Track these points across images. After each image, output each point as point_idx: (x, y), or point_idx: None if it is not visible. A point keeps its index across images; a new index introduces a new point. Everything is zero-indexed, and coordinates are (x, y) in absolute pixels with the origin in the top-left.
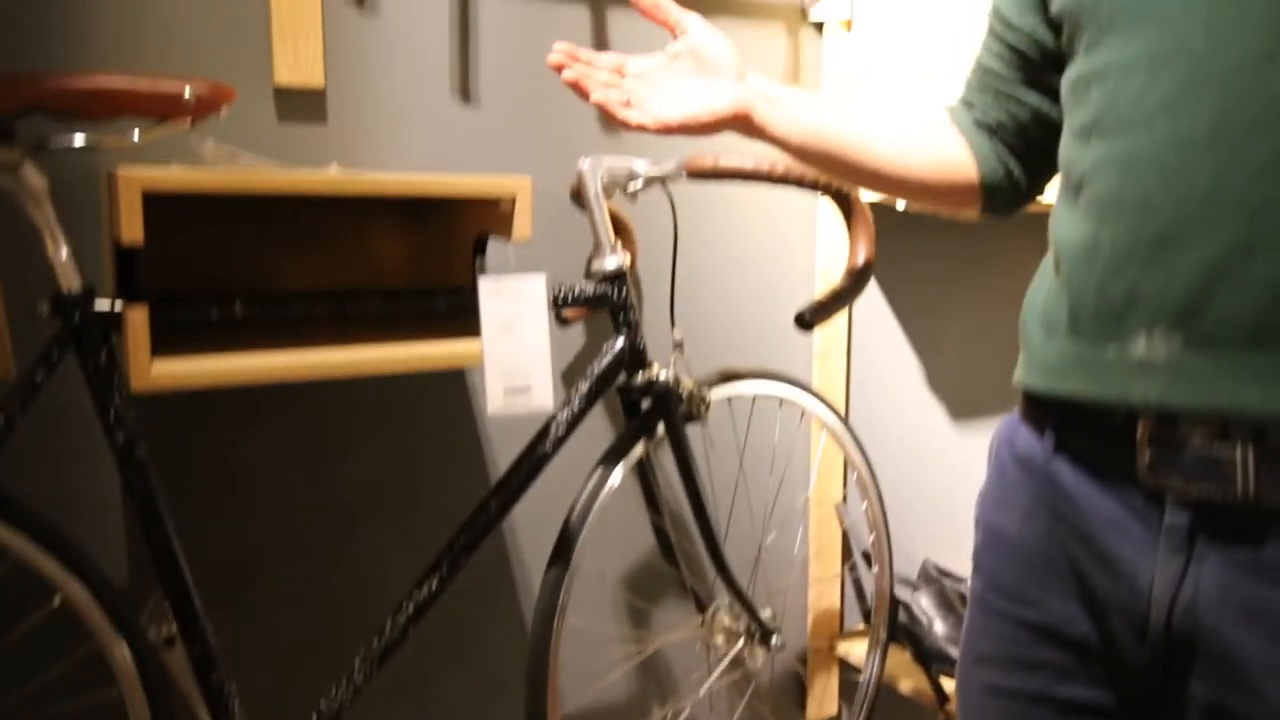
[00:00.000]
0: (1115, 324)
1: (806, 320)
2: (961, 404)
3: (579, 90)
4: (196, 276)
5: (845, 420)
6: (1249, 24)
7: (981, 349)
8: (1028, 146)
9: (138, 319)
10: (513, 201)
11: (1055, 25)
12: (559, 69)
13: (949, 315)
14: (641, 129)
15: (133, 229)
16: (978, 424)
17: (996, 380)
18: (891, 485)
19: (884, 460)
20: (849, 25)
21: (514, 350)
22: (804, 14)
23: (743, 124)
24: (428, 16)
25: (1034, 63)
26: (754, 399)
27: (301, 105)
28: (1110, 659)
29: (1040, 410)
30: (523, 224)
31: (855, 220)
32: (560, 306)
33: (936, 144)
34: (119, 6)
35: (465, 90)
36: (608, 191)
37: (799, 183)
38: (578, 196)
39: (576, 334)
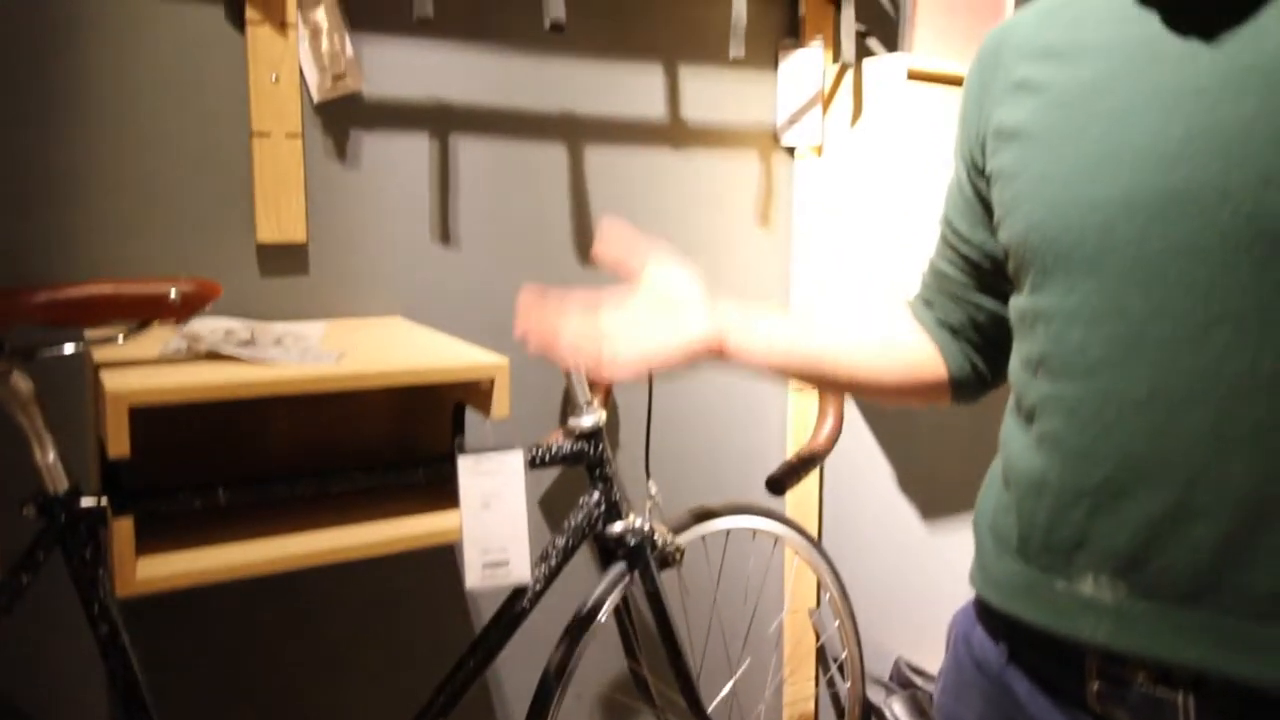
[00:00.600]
0: (1064, 561)
1: (778, 484)
2: (932, 501)
3: (548, 349)
4: (179, 450)
5: (818, 543)
6: (1187, 292)
7: (950, 445)
8: (989, 344)
9: (123, 529)
10: (491, 381)
11: (1005, 248)
12: (525, 336)
13: (917, 413)
14: (620, 379)
15: (119, 444)
16: (949, 520)
17: (966, 475)
18: (865, 585)
19: (857, 561)
20: (820, 150)
21: (492, 525)
22: (776, 139)
23: (716, 354)
24: (408, 164)
25: (987, 271)
26: (728, 533)
27: (284, 260)
28: None
29: (995, 620)
30: (501, 403)
31: (825, 397)
32: (537, 466)
33: (905, 347)
34: (107, 178)
35: (445, 234)
36: None
37: None
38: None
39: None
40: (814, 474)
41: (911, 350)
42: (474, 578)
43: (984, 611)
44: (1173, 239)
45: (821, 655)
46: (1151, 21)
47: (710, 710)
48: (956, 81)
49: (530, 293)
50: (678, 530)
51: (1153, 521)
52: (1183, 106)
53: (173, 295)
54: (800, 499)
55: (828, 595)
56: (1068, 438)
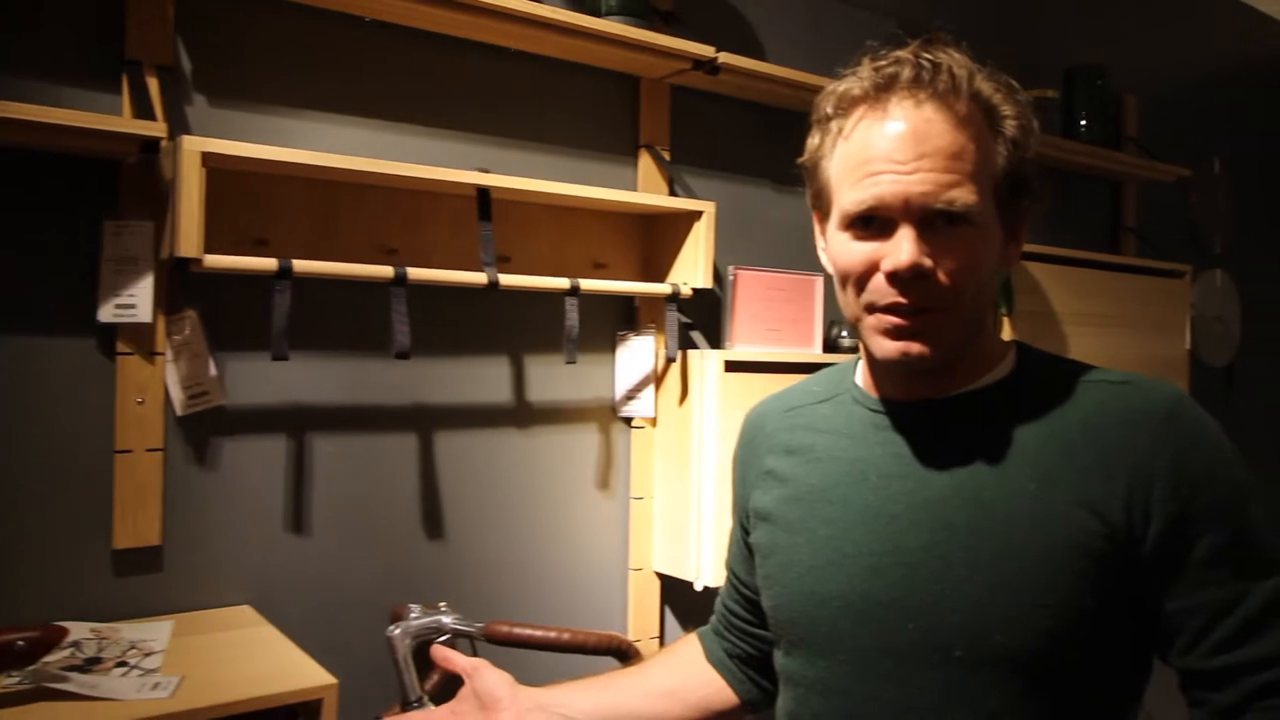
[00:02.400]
0: None
1: None
2: None
3: None
4: None
5: None
6: (886, 683)
7: None
8: (771, 666)
9: None
10: (320, 701)
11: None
12: None
13: None
14: None
15: None
16: None
17: None
18: None
19: None
20: (654, 422)
21: None
22: (615, 412)
23: None
24: (265, 463)
25: (766, 611)
26: None
27: (138, 561)
28: None
29: None
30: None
31: None
32: None
33: (695, 689)
34: None
35: (297, 525)
36: (418, 643)
37: (582, 649)
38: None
39: None
40: None
41: (701, 689)
42: None
43: None
44: (878, 638)
45: None
46: (861, 439)
47: None
48: (767, 369)
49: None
50: None
51: None
52: (879, 527)
53: (20, 643)
54: None
55: None
56: None
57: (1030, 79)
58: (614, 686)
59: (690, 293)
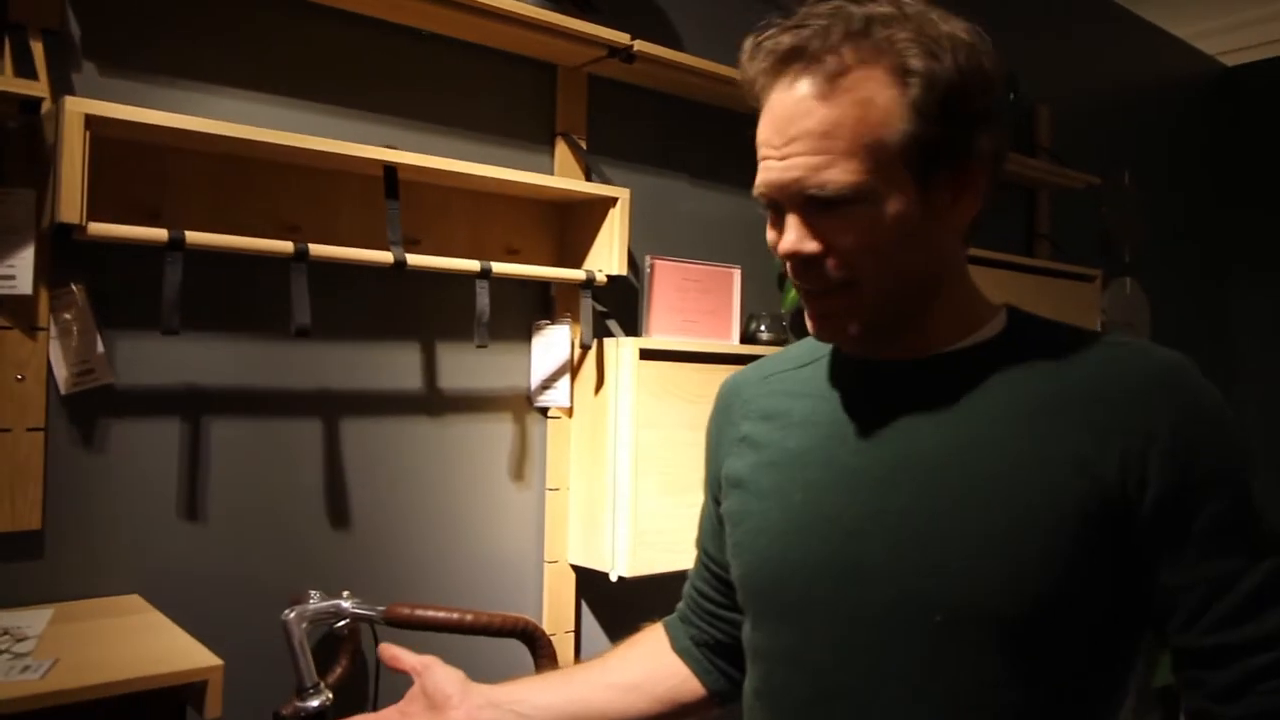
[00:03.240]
0: None
1: None
2: None
3: None
4: None
5: None
6: (866, 651)
7: None
8: (741, 654)
9: None
10: (205, 684)
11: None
12: None
13: None
14: None
15: None
16: None
17: None
18: None
19: None
20: (570, 412)
21: None
22: (530, 402)
23: None
24: (157, 446)
25: (737, 589)
26: None
27: (15, 547)
28: None
29: None
30: (214, 704)
31: (542, 663)
32: None
33: (661, 680)
34: None
35: (192, 512)
36: (317, 629)
37: (486, 630)
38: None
39: None
40: None
41: (667, 680)
42: None
43: None
44: (853, 604)
45: None
46: (840, 402)
47: None
48: (684, 358)
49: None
50: None
51: None
52: (860, 489)
53: None
54: None
55: None
56: None
57: None
58: (572, 681)
59: (605, 280)
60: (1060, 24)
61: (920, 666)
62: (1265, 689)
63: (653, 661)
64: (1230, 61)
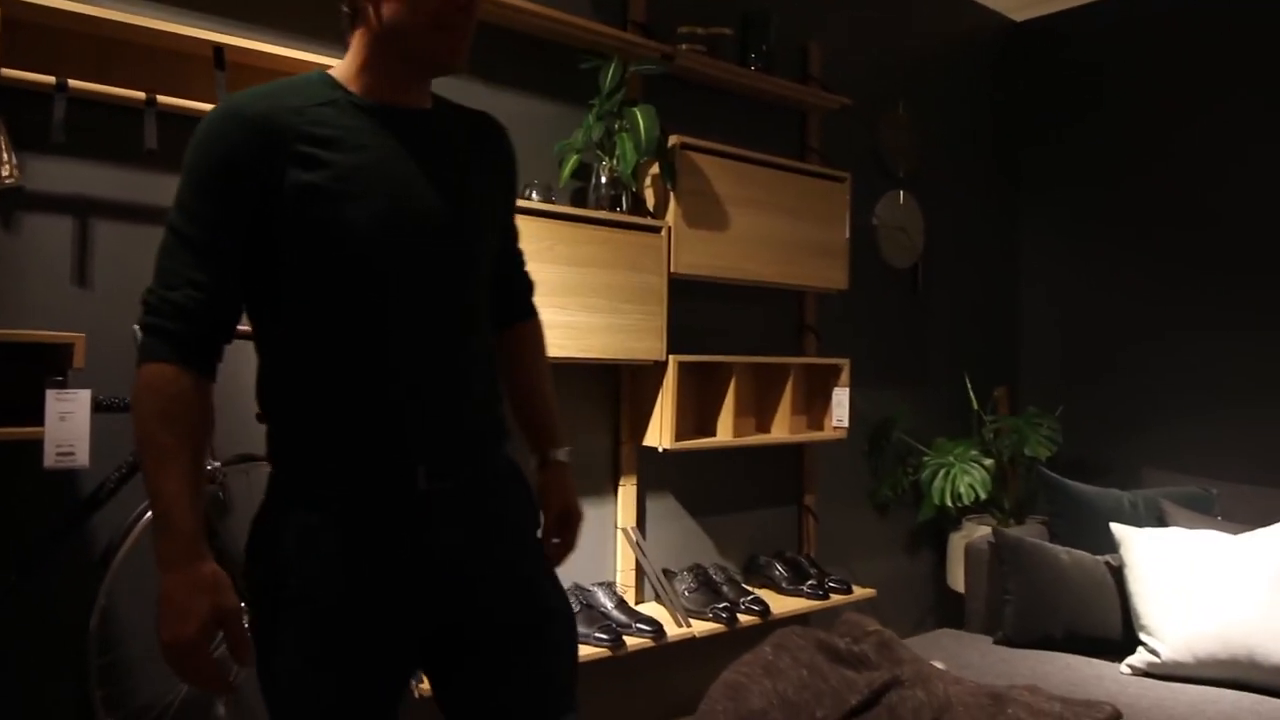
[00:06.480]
0: None
1: None
2: None
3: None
4: None
5: None
6: (444, 294)
7: None
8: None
9: None
10: (72, 346)
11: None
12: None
13: None
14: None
15: None
16: None
17: None
18: None
19: None
20: None
21: (65, 431)
22: None
23: None
24: (57, 234)
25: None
26: None
27: None
28: None
29: None
30: (79, 356)
31: None
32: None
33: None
34: None
35: (82, 279)
36: None
37: None
38: None
39: None
40: None
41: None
42: (50, 461)
43: None
44: (433, 258)
45: None
46: (379, 131)
47: None
48: None
49: None
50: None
51: None
52: (432, 184)
53: None
54: None
55: None
56: None
57: (711, 19)
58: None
59: None
60: None
61: (469, 301)
62: None
63: (202, 409)
64: (1019, 17)
